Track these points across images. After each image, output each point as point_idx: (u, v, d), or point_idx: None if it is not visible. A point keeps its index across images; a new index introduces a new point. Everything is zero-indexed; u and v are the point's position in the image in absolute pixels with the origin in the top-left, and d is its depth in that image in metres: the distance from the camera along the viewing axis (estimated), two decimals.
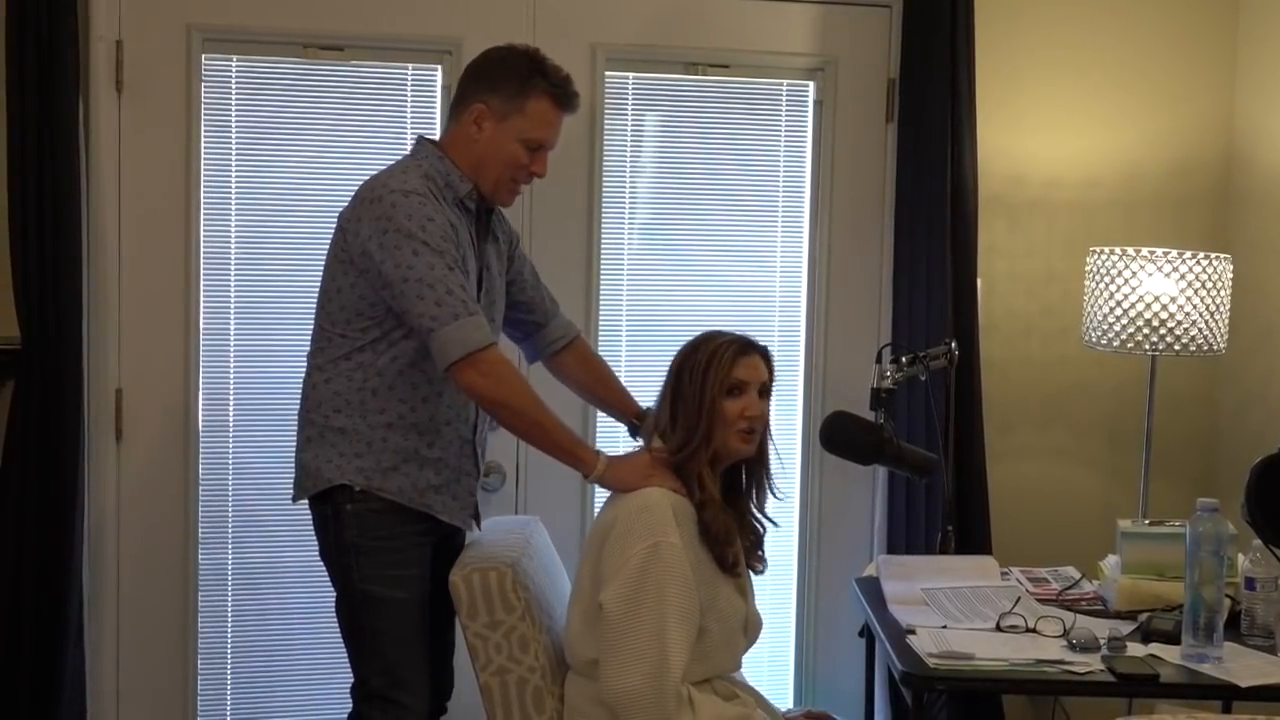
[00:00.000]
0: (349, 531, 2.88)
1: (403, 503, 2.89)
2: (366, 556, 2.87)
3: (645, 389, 3.10)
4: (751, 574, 2.91)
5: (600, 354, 3.65)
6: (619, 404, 3.22)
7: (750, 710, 2.74)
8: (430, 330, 2.76)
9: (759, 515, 2.91)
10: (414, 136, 3.09)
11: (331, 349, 2.90)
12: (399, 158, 3.00)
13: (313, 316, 2.95)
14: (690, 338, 2.88)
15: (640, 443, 3.01)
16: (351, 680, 2.97)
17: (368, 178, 2.95)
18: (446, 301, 2.75)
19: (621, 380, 3.29)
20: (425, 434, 2.90)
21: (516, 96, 2.92)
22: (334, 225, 2.93)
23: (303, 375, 2.96)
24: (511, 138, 2.93)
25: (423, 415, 2.90)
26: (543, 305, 3.21)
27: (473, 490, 3.02)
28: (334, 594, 2.96)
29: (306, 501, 2.95)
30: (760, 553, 2.92)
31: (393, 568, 2.89)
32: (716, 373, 2.78)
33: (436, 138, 3.05)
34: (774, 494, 2.91)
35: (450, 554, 3.00)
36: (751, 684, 2.96)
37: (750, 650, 2.91)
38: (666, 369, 2.87)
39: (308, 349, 2.97)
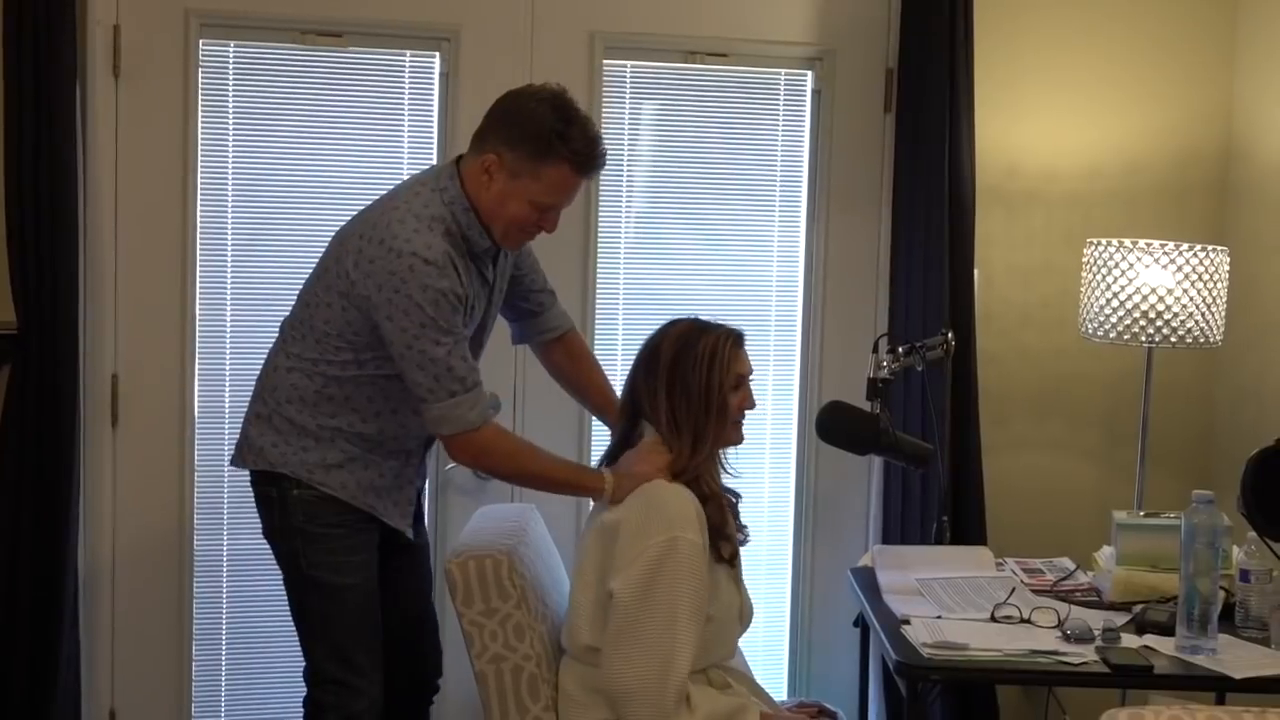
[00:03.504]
0: (295, 516, 2.87)
1: (344, 499, 2.88)
2: (314, 542, 2.87)
3: None
4: (739, 554, 2.86)
5: (596, 343, 3.65)
6: (604, 405, 3.16)
7: (744, 699, 2.73)
8: (423, 400, 2.76)
9: (728, 486, 2.88)
10: (445, 160, 2.90)
11: (304, 346, 2.89)
12: (427, 169, 2.91)
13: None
14: (661, 328, 2.77)
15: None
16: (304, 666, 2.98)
17: (385, 197, 2.87)
18: (444, 378, 2.73)
19: (617, 368, 3.28)
20: (371, 445, 2.90)
21: (534, 158, 2.76)
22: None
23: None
24: (521, 197, 2.79)
25: (372, 429, 2.89)
26: (539, 295, 3.17)
27: (413, 499, 3.02)
28: None
29: (247, 472, 2.93)
30: (739, 520, 2.87)
31: (340, 554, 2.89)
32: (721, 368, 2.71)
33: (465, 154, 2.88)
34: (726, 470, 2.86)
35: (397, 543, 3.00)
36: (748, 669, 2.96)
37: (743, 637, 2.91)
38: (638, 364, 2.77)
39: (284, 318, 2.95)
